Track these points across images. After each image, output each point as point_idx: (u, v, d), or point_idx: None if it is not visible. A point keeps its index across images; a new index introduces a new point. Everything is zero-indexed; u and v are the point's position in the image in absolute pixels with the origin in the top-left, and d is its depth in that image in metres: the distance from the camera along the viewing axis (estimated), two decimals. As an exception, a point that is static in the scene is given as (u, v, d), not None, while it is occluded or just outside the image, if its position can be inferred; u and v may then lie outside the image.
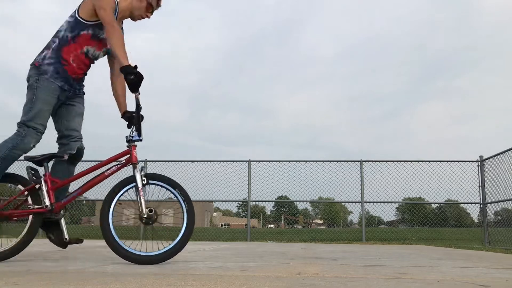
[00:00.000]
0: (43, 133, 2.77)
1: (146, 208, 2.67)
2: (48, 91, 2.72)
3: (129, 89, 2.69)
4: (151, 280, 1.81)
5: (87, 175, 2.86)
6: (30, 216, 2.75)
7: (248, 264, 2.68)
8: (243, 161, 8.78)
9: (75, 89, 2.93)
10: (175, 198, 2.81)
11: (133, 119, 2.86)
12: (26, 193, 2.79)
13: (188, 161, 8.90)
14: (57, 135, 2.96)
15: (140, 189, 2.70)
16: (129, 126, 2.95)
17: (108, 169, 2.80)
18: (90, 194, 9.23)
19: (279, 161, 8.88)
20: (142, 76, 2.60)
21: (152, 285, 1.67)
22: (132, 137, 2.79)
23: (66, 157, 2.87)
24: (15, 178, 2.88)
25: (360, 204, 8.34)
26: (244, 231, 9.66)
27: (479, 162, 7.92)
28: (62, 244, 2.81)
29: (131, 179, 2.77)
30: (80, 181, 2.91)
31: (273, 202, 10.30)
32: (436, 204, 9.27)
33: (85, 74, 2.98)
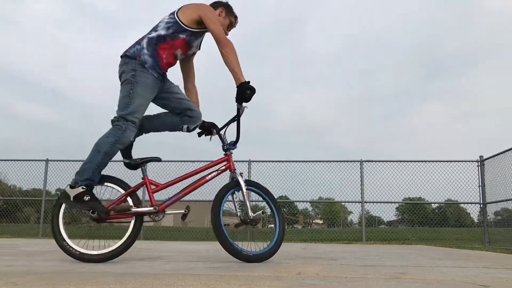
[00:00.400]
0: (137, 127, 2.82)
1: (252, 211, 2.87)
2: (145, 85, 2.76)
3: (241, 101, 2.84)
4: (151, 280, 1.81)
5: (186, 180, 3.00)
6: (134, 218, 2.82)
7: (248, 264, 2.68)
8: (243, 161, 8.79)
9: (164, 82, 2.98)
10: (267, 204, 3.06)
11: (215, 128, 3.11)
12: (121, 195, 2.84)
13: (188, 161, 8.89)
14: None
15: (245, 193, 2.87)
16: (203, 135, 3.19)
17: (208, 174, 2.95)
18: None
19: (279, 161, 8.88)
20: (255, 89, 2.75)
21: (152, 285, 1.67)
22: (229, 145, 3.00)
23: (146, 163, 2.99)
24: (113, 181, 2.89)
25: (360, 204, 8.35)
26: (244, 231, 9.66)
27: (479, 162, 7.92)
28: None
29: (234, 184, 2.92)
30: (175, 186, 3.01)
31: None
32: (436, 204, 9.27)
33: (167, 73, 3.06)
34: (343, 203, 10.44)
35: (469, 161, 8.05)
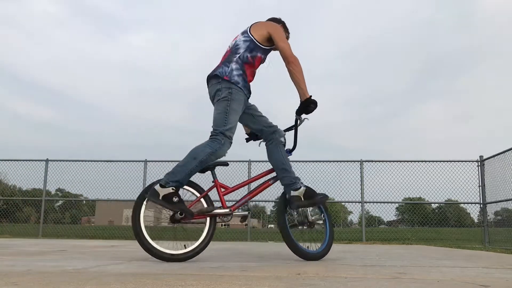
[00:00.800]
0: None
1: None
2: (239, 102, 2.96)
3: (302, 113, 3.08)
4: (151, 280, 1.81)
5: (251, 183, 3.34)
6: (208, 219, 3.01)
7: (248, 264, 2.68)
8: (243, 161, 8.78)
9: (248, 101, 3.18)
10: (318, 209, 3.35)
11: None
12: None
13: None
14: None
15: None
16: (251, 140, 3.44)
17: (270, 179, 3.24)
18: (91, 194, 9.24)
19: (279, 161, 8.86)
20: (317, 104, 3.00)
21: (152, 285, 1.67)
22: (287, 153, 3.21)
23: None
24: (190, 184, 3.03)
25: (360, 204, 8.34)
26: (244, 231, 9.66)
27: (479, 162, 7.92)
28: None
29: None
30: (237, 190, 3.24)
31: (273, 202, 10.29)
32: (436, 204, 9.27)
33: None
34: (343, 203, 10.44)
35: (469, 161, 8.04)
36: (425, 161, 8.32)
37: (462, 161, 8.08)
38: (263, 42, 3.05)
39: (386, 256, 3.85)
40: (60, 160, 9.37)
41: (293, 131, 3.24)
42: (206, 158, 2.84)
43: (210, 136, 2.92)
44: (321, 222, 3.33)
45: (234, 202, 3.08)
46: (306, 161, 8.80)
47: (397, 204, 8.98)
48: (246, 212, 3.12)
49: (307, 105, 2.97)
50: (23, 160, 9.45)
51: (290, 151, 3.24)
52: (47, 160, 9.33)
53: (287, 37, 3.32)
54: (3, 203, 10.17)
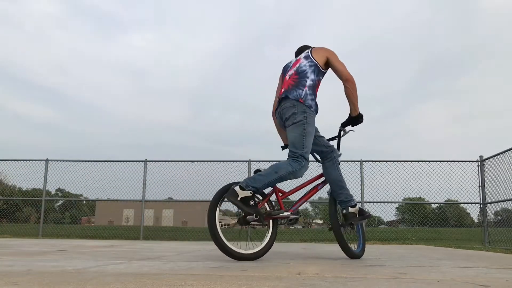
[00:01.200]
0: None
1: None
2: (313, 125, 3.20)
3: (349, 125, 3.44)
4: (151, 280, 1.81)
5: (304, 187, 3.54)
6: (271, 222, 3.27)
7: (248, 264, 2.68)
8: (243, 161, 8.79)
9: None
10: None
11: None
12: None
13: (188, 161, 8.90)
14: (318, 155, 3.57)
15: None
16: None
17: (319, 184, 3.57)
18: (91, 194, 9.24)
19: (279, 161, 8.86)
20: (363, 119, 3.37)
21: (152, 285, 1.67)
22: None
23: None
24: None
25: (360, 204, 8.34)
26: (244, 231, 9.66)
27: (479, 162, 7.92)
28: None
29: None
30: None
31: (273, 202, 10.29)
32: (436, 204, 9.27)
33: None
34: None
35: (469, 161, 8.05)
36: (425, 161, 8.32)
37: (462, 161, 8.08)
38: (324, 66, 3.29)
39: (386, 256, 3.85)
40: (60, 160, 9.37)
41: (336, 140, 3.59)
42: (286, 175, 3.08)
43: (290, 157, 3.15)
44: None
45: (290, 206, 3.35)
46: (306, 161, 8.79)
47: (397, 204, 8.98)
48: (298, 215, 3.36)
49: (358, 119, 3.33)
50: (23, 160, 9.45)
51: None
52: (47, 160, 9.33)
53: None
54: (3, 203, 10.17)
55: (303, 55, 3.39)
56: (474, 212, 8.35)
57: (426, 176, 8.22)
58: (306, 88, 3.20)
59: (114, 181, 8.97)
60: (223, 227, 3.11)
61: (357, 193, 8.34)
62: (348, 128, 3.51)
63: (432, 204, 9.20)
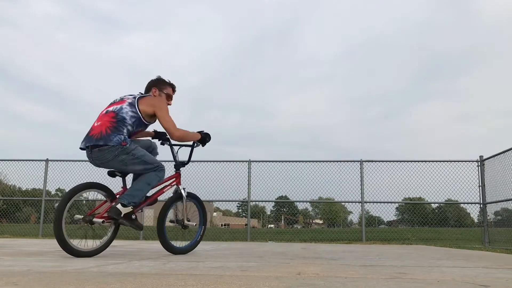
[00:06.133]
0: None
1: None
2: (137, 147, 3.38)
3: (200, 144, 3.78)
4: (151, 280, 1.81)
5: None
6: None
7: (248, 264, 2.68)
8: (243, 161, 8.78)
9: None
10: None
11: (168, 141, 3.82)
12: None
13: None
14: None
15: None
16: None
17: (165, 186, 3.78)
18: (90, 194, 9.23)
19: (279, 161, 8.86)
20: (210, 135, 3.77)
21: (152, 285, 1.67)
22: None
23: None
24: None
25: (360, 204, 8.34)
26: (244, 231, 9.67)
27: (479, 162, 7.92)
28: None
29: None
30: None
31: (273, 202, 10.29)
32: (436, 204, 9.27)
33: None
34: (343, 203, 10.44)
35: (469, 161, 8.04)
36: (425, 161, 8.32)
37: (462, 161, 8.08)
38: (147, 118, 3.39)
39: (386, 256, 3.85)
40: (60, 160, 9.37)
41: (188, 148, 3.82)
42: (155, 183, 3.51)
43: (153, 170, 3.44)
44: None
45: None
46: (306, 161, 8.81)
47: (397, 204, 8.98)
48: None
49: (205, 138, 3.71)
50: (23, 160, 9.44)
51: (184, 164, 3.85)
52: (47, 160, 9.33)
53: (172, 91, 3.71)
54: (3, 203, 10.17)
55: (129, 99, 3.39)
56: (474, 212, 8.35)
57: (426, 176, 8.22)
58: (125, 133, 3.27)
59: (114, 181, 8.96)
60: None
61: (357, 193, 8.34)
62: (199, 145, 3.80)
63: (432, 204, 9.20)
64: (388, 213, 9.12)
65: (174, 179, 3.78)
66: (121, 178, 3.58)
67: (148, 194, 3.55)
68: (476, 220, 8.93)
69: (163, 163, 3.57)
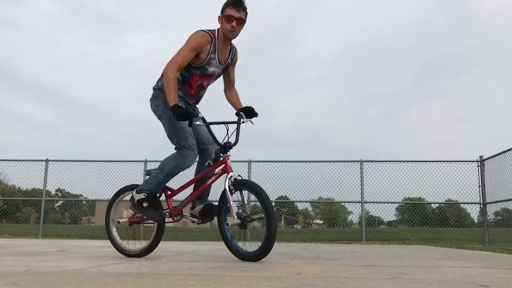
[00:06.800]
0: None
1: None
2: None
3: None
4: (151, 280, 1.81)
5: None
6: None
7: (248, 264, 2.68)
8: (243, 161, 8.79)
9: None
10: None
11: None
12: None
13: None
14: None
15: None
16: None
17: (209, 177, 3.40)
18: (90, 194, 9.24)
19: (279, 161, 8.87)
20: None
21: (152, 285, 1.67)
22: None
23: None
24: None
25: (360, 204, 8.34)
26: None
27: (479, 162, 7.92)
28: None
29: None
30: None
31: (273, 202, 10.29)
32: (436, 204, 9.27)
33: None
34: (343, 203, 10.45)
35: (469, 161, 8.04)
36: (425, 161, 8.32)
37: (462, 161, 8.08)
38: (192, 60, 3.00)
39: (386, 256, 3.85)
40: (60, 160, 9.37)
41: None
42: (172, 170, 3.07)
43: (175, 149, 3.07)
44: None
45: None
46: (306, 161, 8.81)
47: (397, 204, 8.98)
48: (178, 218, 3.28)
49: (177, 113, 2.80)
50: (23, 160, 9.45)
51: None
52: (47, 160, 9.33)
53: (233, 18, 2.96)
54: (3, 203, 10.17)
55: None
56: (474, 212, 8.36)
57: (426, 176, 8.22)
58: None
59: (114, 181, 8.97)
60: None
61: (357, 193, 8.34)
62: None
63: (432, 204, 9.20)
64: (388, 213, 9.15)
65: (222, 165, 3.17)
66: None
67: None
68: (476, 220, 8.94)
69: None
